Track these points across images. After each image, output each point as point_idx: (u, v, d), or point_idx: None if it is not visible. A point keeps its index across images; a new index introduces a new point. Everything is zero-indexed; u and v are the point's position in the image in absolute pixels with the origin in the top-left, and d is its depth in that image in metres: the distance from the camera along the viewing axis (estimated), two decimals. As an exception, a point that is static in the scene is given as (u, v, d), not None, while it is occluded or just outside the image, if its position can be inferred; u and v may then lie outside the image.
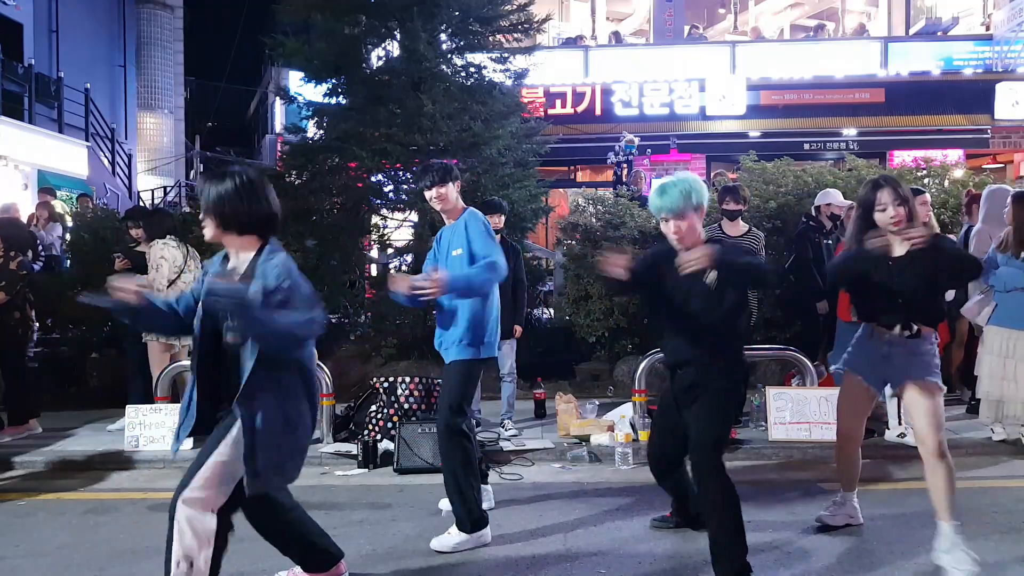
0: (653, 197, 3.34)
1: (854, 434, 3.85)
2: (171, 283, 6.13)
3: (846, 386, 3.83)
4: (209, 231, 2.81)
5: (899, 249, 3.52)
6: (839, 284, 3.88)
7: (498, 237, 6.21)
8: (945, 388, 3.61)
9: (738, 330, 3.43)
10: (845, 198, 6.53)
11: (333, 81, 8.85)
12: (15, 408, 6.24)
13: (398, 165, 8.56)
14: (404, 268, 8.64)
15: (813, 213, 6.65)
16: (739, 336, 3.46)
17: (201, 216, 2.83)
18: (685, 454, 3.52)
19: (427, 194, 4.06)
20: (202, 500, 2.67)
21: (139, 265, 6.28)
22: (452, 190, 4.04)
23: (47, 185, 12.45)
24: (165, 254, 6.17)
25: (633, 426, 5.75)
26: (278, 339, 2.63)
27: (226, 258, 2.89)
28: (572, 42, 14.56)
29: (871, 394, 3.76)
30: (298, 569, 3.20)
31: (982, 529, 3.93)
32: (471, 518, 3.86)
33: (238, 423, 2.67)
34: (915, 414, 3.54)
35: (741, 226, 5.93)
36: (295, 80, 11.04)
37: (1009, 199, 5.16)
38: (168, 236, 6.31)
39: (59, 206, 11.10)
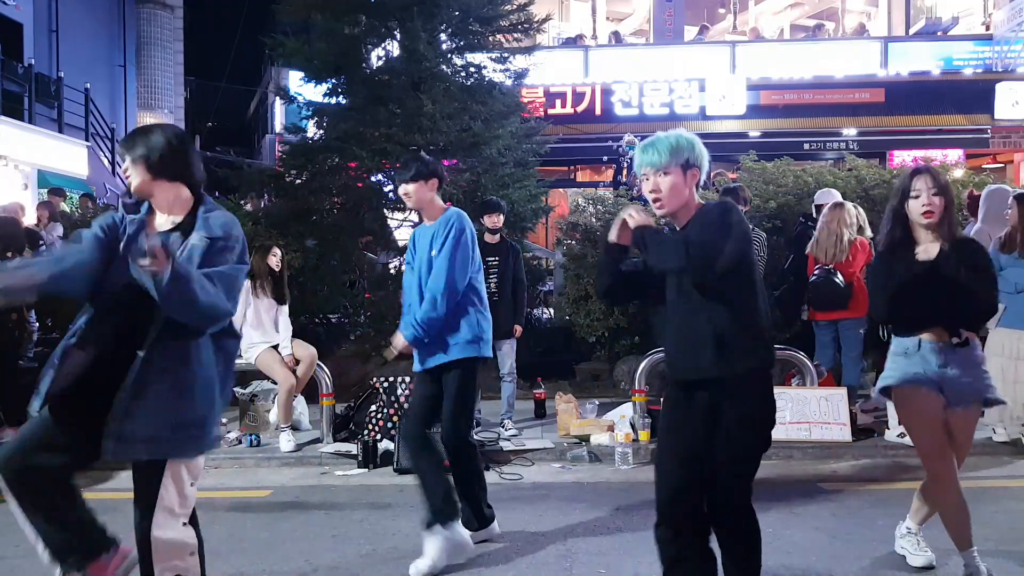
0: (637, 153, 2.78)
1: (946, 461, 3.13)
2: None
3: (908, 402, 3.22)
4: (136, 179, 2.57)
5: (933, 250, 3.16)
6: (891, 313, 3.24)
7: (497, 237, 6.27)
8: (1006, 402, 3.31)
9: (746, 324, 2.59)
10: (844, 198, 6.54)
11: (333, 81, 8.85)
12: (15, 408, 6.25)
13: (398, 165, 8.55)
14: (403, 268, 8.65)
15: (812, 213, 6.66)
16: (750, 333, 2.60)
17: (125, 167, 2.62)
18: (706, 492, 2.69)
19: (399, 189, 3.94)
20: (177, 515, 2.52)
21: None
22: (423, 190, 3.85)
23: (49, 185, 12.44)
24: None
25: (633, 426, 5.75)
26: (197, 313, 2.44)
27: (151, 211, 2.65)
28: (572, 42, 14.54)
29: (940, 402, 3.14)
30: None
31: (982, 530, 3.92)
32: (477, 518, 3.92)
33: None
34: (962, 433, 3.19)
35: (743, 226, 5.91)
36: (295, 80, 11.03)
37: (1012, 199, 5.14)
38: None
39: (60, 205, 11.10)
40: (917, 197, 3.13)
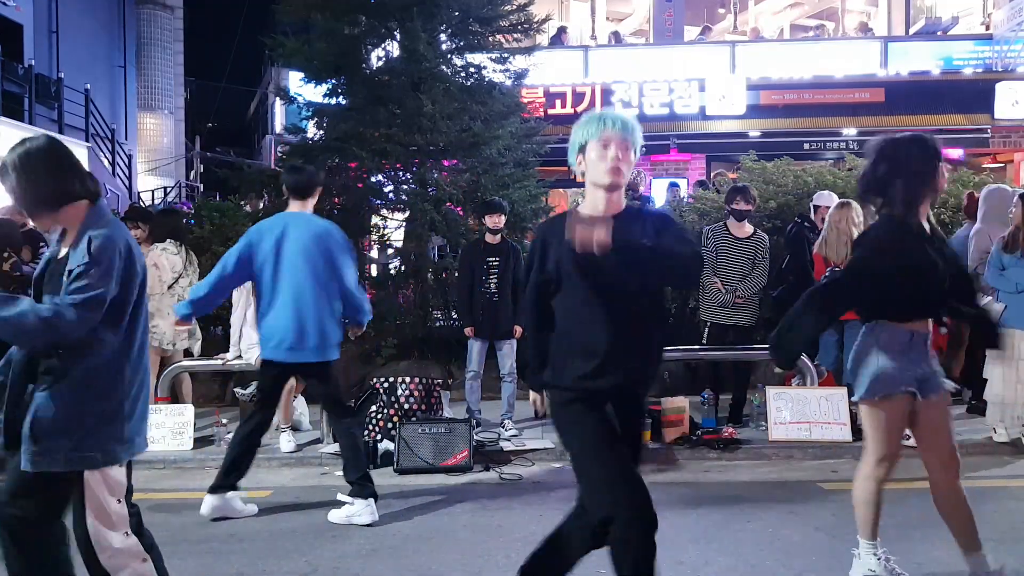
0: (600, 120, 2.66)
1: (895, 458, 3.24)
2: (169, 287, 6.16)
3: (889, 411, 3.23)
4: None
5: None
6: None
7: (498, 237, 6.27)
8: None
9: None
10: (844, 198, 6.53)
11: (333, 81, 8.85)
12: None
13: (398, 165, 8.56)
14: (402, 268, 8.67)
15: (810, 214, 6.66)
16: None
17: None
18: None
19: None
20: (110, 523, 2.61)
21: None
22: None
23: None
24: (160, 262, 6.15)
25: (633, 426, 5.75)
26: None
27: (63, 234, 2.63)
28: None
29: (912, 403, 3.21)
30: None
31: (981, 530, 3.92)
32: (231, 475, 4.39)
33: None
34: (941, 429, 3.14)
35: (747, 228, 5.91)
36: (295, 80, 11.03)
37: (1016, 199, 5.15)
38: (168, 240, 6.31)
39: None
40: None
